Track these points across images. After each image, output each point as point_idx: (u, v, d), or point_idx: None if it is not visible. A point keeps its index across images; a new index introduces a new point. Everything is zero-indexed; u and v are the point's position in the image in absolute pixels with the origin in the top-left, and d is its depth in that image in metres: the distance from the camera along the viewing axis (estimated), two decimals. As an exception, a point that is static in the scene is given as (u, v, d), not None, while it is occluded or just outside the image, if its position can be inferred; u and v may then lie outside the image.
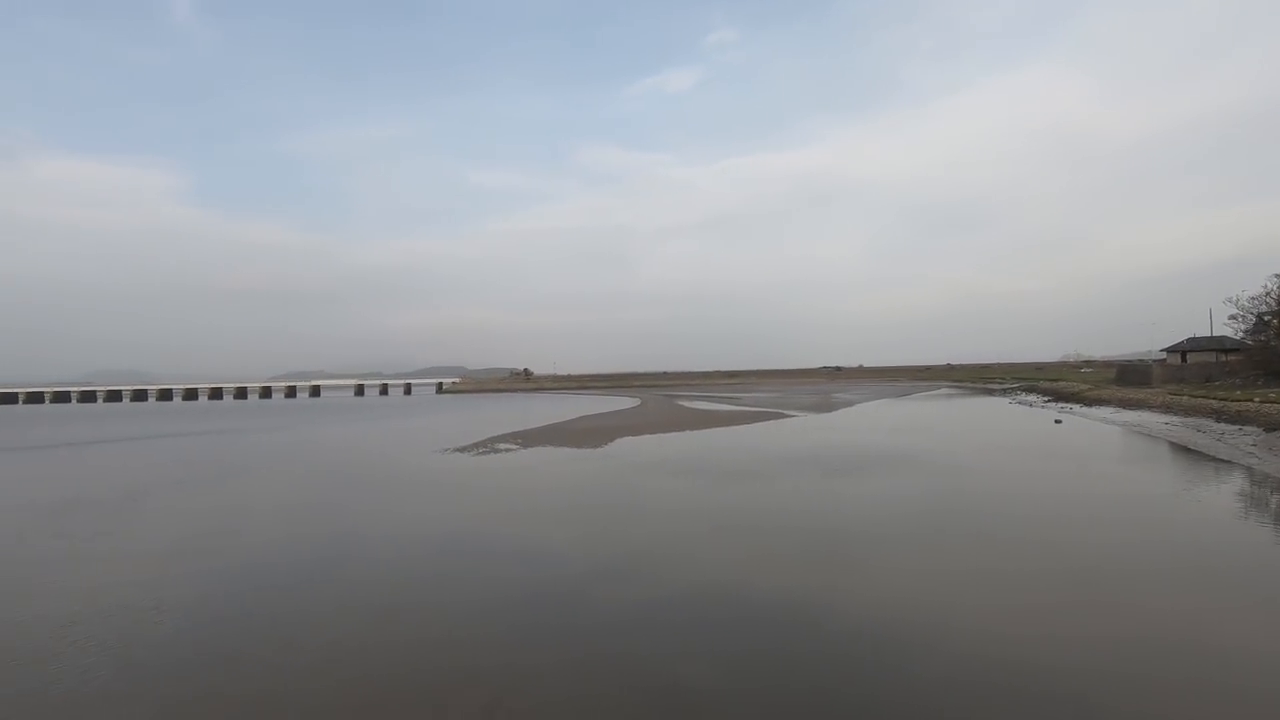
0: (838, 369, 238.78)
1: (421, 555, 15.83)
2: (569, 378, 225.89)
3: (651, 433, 45.65)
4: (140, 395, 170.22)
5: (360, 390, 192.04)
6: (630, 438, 42.58)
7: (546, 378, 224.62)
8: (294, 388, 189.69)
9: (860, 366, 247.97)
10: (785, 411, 64.10)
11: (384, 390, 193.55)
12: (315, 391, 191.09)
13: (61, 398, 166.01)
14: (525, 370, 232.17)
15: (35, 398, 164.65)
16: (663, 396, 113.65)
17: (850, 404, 77.66)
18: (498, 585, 13.22)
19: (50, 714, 8.45)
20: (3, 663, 9.99)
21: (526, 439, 42.88)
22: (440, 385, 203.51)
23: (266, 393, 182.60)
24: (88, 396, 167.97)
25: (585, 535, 17.29)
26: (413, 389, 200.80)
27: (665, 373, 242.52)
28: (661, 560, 14.75)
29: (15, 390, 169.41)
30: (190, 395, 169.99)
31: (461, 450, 37.46)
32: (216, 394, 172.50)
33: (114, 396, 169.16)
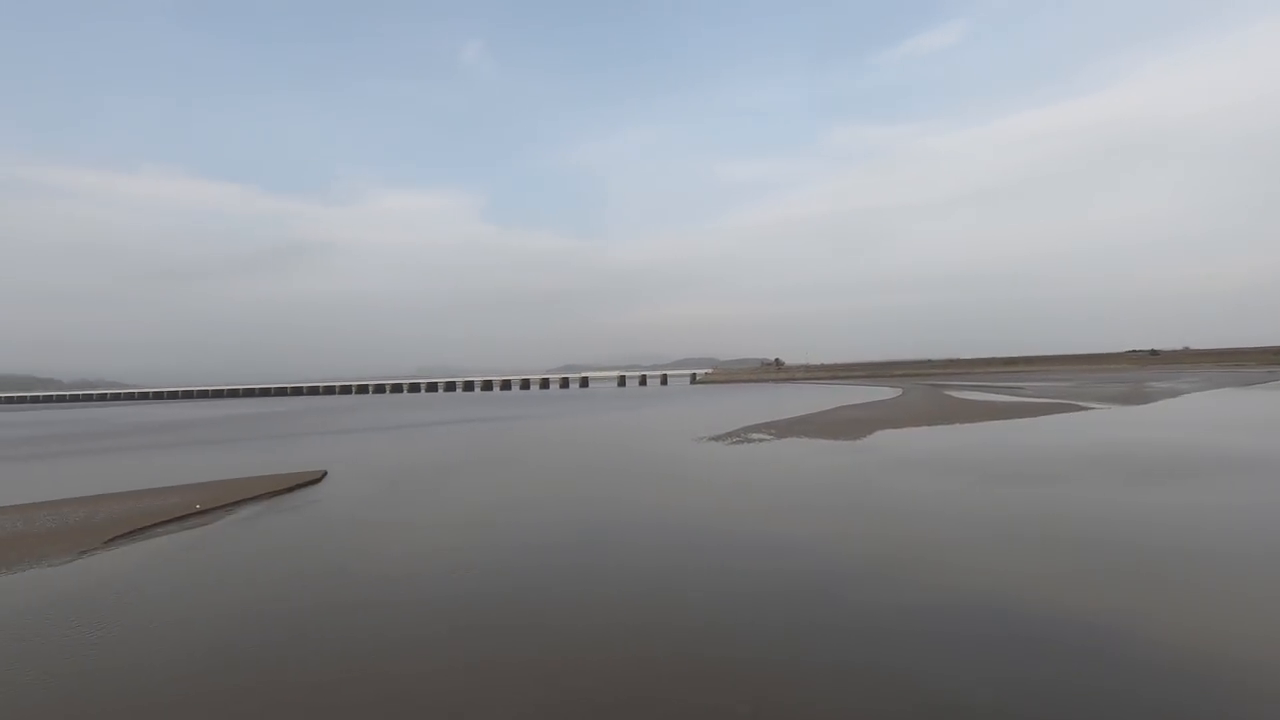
0: (1153, 353, 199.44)
1: (677, 540, 16.33)
2: (821, 368, 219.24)
3: (914, 425, 42.28)
4: (450, 386, 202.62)
5: (622, 381, 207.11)
6: (890, 430, 39.89)
7: (798, 368, 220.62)
8: (566, 379, 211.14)
9: (1186, 349, 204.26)
10: (1080, 403, 55.08)
11: (643, 381, 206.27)
12: (584, 383, 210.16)
13: (396, 389, 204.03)
14: (776, 360, 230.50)
15: (379, 389, 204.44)
16: (927, 386, 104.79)
17: (1173, 394, 64.28)
18: (749, 577, 13.10)
19: (386, 649, 10.20)
20: (348, 607, 12.32)
21: (779, 429, 42.40)
22: (694, 376, 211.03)
23: (545, 384, 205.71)
24: (414, 388, 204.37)
25: (841, 532, 16.45)
26: (668, 379, 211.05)
27: (929, 360, 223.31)
28: (927, 566, 13.44)
29: (365, 383, 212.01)
30: (486, 386, 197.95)
31: (715, 439, 38.22)
32: (506, 385, 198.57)
33: (432, 388, 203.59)
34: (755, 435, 39.27)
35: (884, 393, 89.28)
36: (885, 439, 35.62)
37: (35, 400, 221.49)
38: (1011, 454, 28.27)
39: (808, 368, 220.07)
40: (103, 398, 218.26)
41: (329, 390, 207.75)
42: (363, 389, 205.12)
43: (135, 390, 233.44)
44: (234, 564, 15.32)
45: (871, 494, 20.89)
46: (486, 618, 11.24)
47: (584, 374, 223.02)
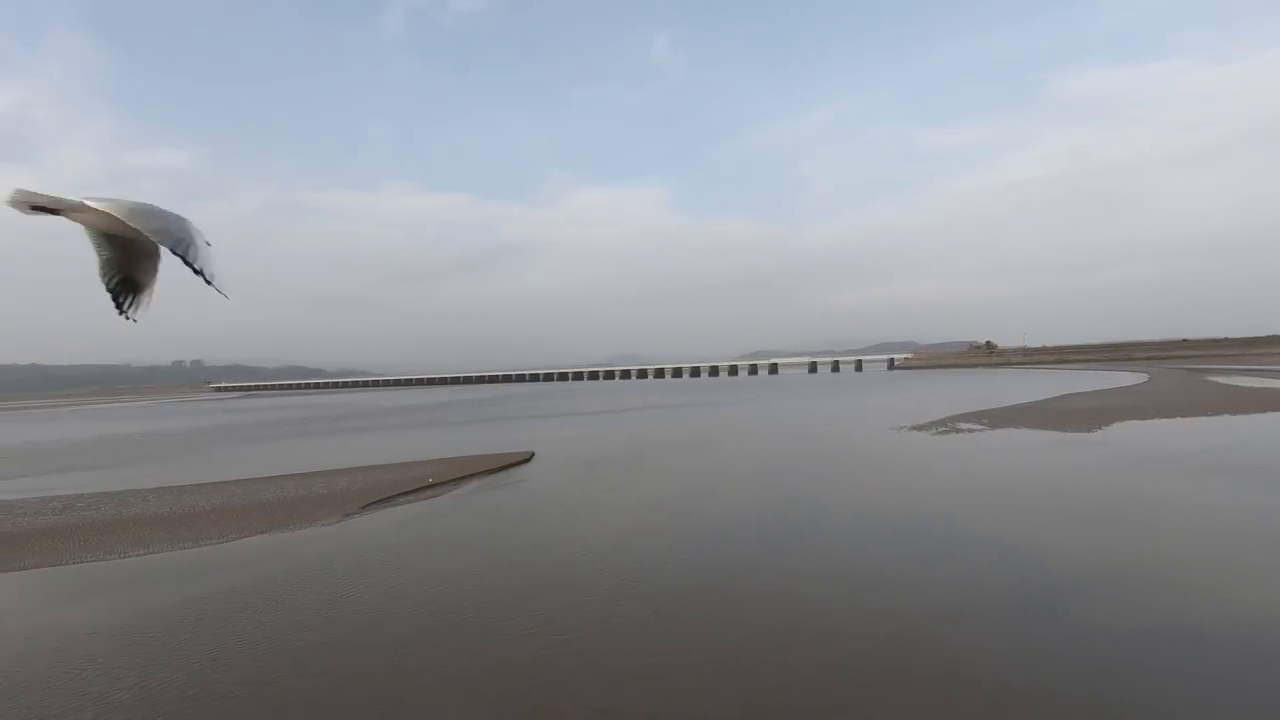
0: None
1: (878, 534, 15.54)
2: (1044, 350, 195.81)
3: (1165, 416, 36.29)
4: (642, 374, 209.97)
5: (813, 367, 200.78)
6: (1134, 421, 34.62)
7: (1015, 350, 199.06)
8: (755, 366, 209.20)
9: None
10: None
11: (835, 367, 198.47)
12: (773, 369, 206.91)
13: (592, 376, 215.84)
14: (987, 343, 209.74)
15: (577, 376, 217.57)
16: (1183, 370, 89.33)
17: None
18: (960, 582, 12.09)
19: (570, 621, 10.86)
20: (556, 586, 13.26)
21: (993, 419, 38.59)
22: (891, 361, 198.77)
23: (733, 371, 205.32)
24: (608, 375, 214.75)
25: (1067, 536, 14.58)
26: (863, 365, 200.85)
27: (1185, 340, 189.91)
28: (1180, 586, 11.50)
29: (565, 371, 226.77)
30: (676, 374, 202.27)
31: (918, 428, 35.75)
32: (695, 372, 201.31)
33: (625, 375, 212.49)
34: (965, 425, 36.11)
35: (1125, 378, 77.57)
36: (1126, 432, 31.00)
37: (307, 388, 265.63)
38: (1303, 453, 23.22)
39: (1026, 350, 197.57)
40: (356, 384, 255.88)
41: (534, 378, 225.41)
42: (562, 376, 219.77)
43: (379, 378, 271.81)
44: (459, 535, 17.20)
45: (1106, 496, 18.30)
46: (682, 607, 11.31)
47: (773, 360, 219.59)
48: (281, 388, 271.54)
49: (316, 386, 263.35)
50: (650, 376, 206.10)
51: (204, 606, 12.18)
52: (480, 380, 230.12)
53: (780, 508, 18.85)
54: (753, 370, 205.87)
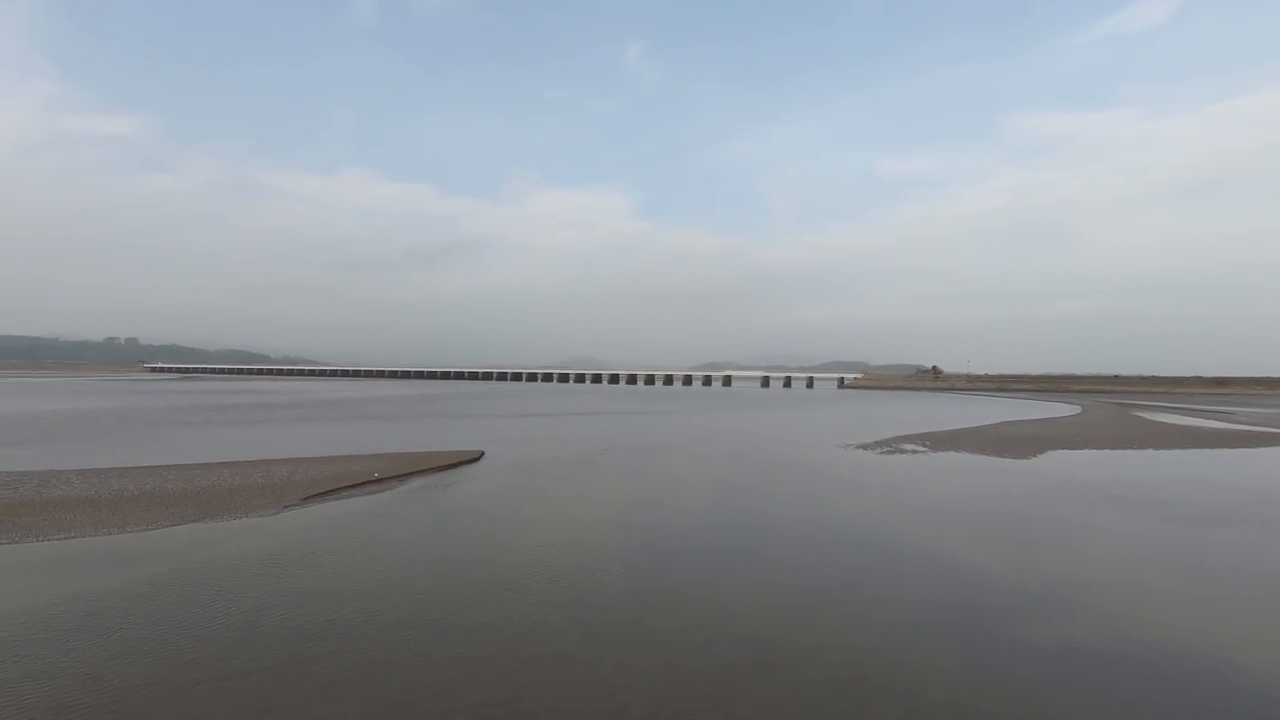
0: None
1: (826, 549, 15.85)
2: (985, 378, 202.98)
3: (1095, 448, 38.00)
4: (596, 378, 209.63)
5: (766, 382, 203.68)
6: (1065, 451, 36.14)
7: (958, 377, 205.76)
8: (709, 377, 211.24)
9: None
10: (1314, 435, 46.77)
11: (787, 383, 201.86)
12: (727, 381, 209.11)
13: (546, 378, 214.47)
14: (934, 368, 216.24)
15: (531, 378, 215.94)
16: (1113, 405, 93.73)
17: None
18: (908, 601, 12.43)
19: (524, 632, 10.77)
20: (500, 586, 13.12)
21: (935, 441, 39.80)
22: (841, 380, 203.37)
23: (688, 381, 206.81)
24: (562, 378, 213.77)
25: (1000, 556, 15.17)
26: (815, 383, 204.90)
27: (1116, 376, 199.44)
28: (1087, 611, 12.08)
29: (518, 371, 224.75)
30: (630, 380, 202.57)
31: (864, 447, 36.62)
32: (649, 380, 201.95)
33: (579, 379, 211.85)
34: (909, 446, 37.15)
35: (1060, 409, 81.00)
36: (1059, 460, 32.34)
37: (249, 373, 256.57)
38: (1213, 490, 24.61)
39: (970, 377, 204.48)
40: (301, 373, 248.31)
41: (487, 376, 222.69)
42: (516, 376, 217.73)
43: (326, 367, 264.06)
44: (407, 531, 16.85)
45: (1036, 521, 19.08)
46: (616, 632, 10.64)
47: (727, 372, 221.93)
48: (222, 372, 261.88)
49: (260, 373, 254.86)
50: (605, 381, 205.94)
51: (125, 595, 11.66)
52: (433, 376, 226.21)
53: (724, 520, 19.04)
54: (706, 381, 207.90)
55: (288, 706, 8.04)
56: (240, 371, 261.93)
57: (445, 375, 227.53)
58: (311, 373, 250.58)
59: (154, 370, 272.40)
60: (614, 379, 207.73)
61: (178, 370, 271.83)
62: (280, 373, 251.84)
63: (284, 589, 12.14)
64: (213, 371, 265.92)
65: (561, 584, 12.78)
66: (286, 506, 18.83)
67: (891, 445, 37.65)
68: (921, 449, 35.99)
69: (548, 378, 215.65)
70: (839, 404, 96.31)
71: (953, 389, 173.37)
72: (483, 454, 30.43)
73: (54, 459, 26.60)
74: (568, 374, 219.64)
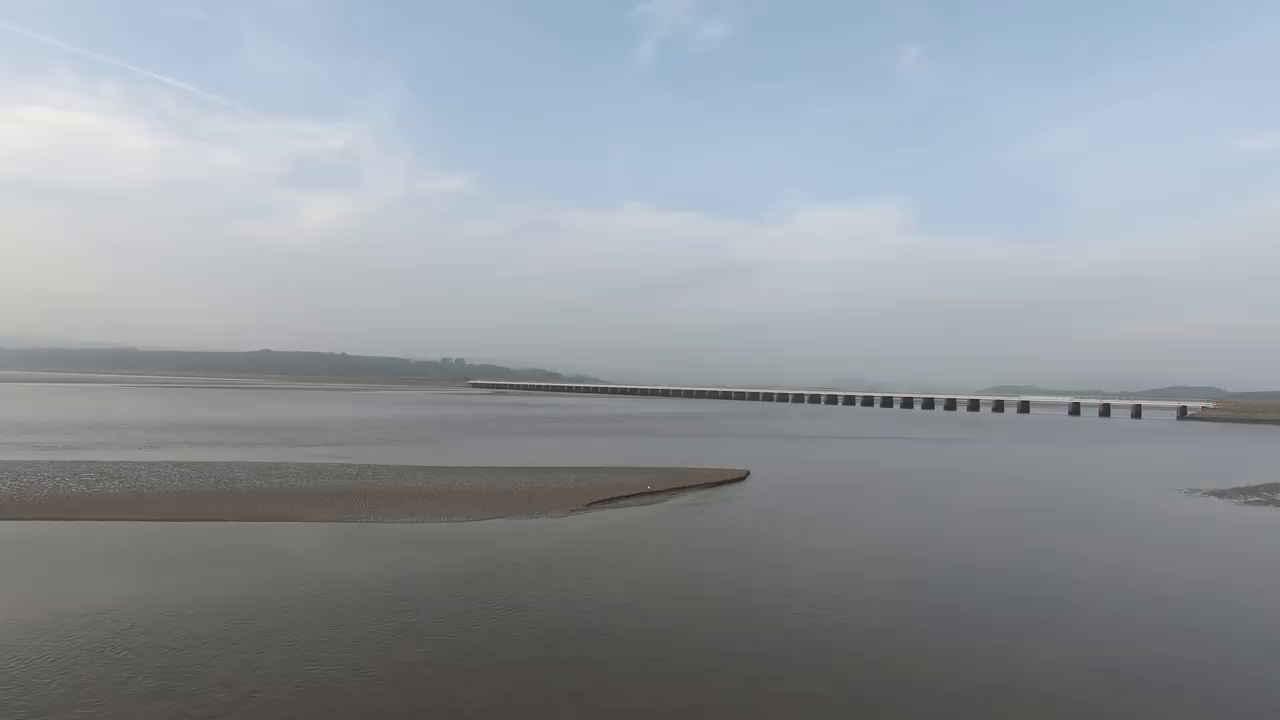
0: None
1: (1164, 629, 12.91)
2: None
3: None
4: (867, 401, 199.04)
5: (1076, 409, 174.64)
6: None
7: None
8: (1001, 402, 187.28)
9: None
10: None
11: (1104, 411, 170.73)
12: (1024, 407, 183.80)
13: (813, 399, 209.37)
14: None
15: (798, 399, 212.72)
16: None
17: None
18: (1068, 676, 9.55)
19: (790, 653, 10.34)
20: (736, 618, 12.83)
21: (1332, 494, 30.33)
22: (1183, 410, 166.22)
23: (974, 405, 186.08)
24: (831, 400, 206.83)
25: None
26: (1142, 412, 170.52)
27: None
28: None
29: (787, 391, 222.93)
30: (906, 403, 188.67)
31: (1219, 494, 29.35)
32: (929, 403, 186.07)
33: (849, 401, 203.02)
34: (1287, 497, 28.86)
35: None
36: None
37: (545, 389, 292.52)
38: None
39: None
40: (585, 390, 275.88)
41: (753, 396, 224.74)
42: (783, 397, 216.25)
43: (606, 385, 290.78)
44: (672, 545, 17.55)
45: None
46: (873, 678, 9.73)
47: (1023, 397, 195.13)
48: (526, 388, 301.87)
49: (553, 389, 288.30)
50: (877, 405, 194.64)
51: (455, 573, 13.76)
52: (700, 395, 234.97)
53: (1023, 574, 16.44)
54: (998, 407, 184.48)
55: (536, 709, 8.70)
56: (539, 388, 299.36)
57: (712, 394, 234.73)
58: (593, 390, 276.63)
59: (475, 386, 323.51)
60: (887, 402, 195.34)
61: (492, 386, 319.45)
62: (568, 389, 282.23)
63: (554, 590, 13.30)
64: (517, 388, 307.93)
65: (819, 621, 12.12)
66: (573, 510, 20.77)
67: (1262, 494, 29.62)
68: (1311, 502, 27.69)
69: (815, 399, 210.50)
70: (1181, 439, 78.56)
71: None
72: (748, 474, 30.54)
73: (404, 457, 32.78)
74: (836, 395, 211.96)
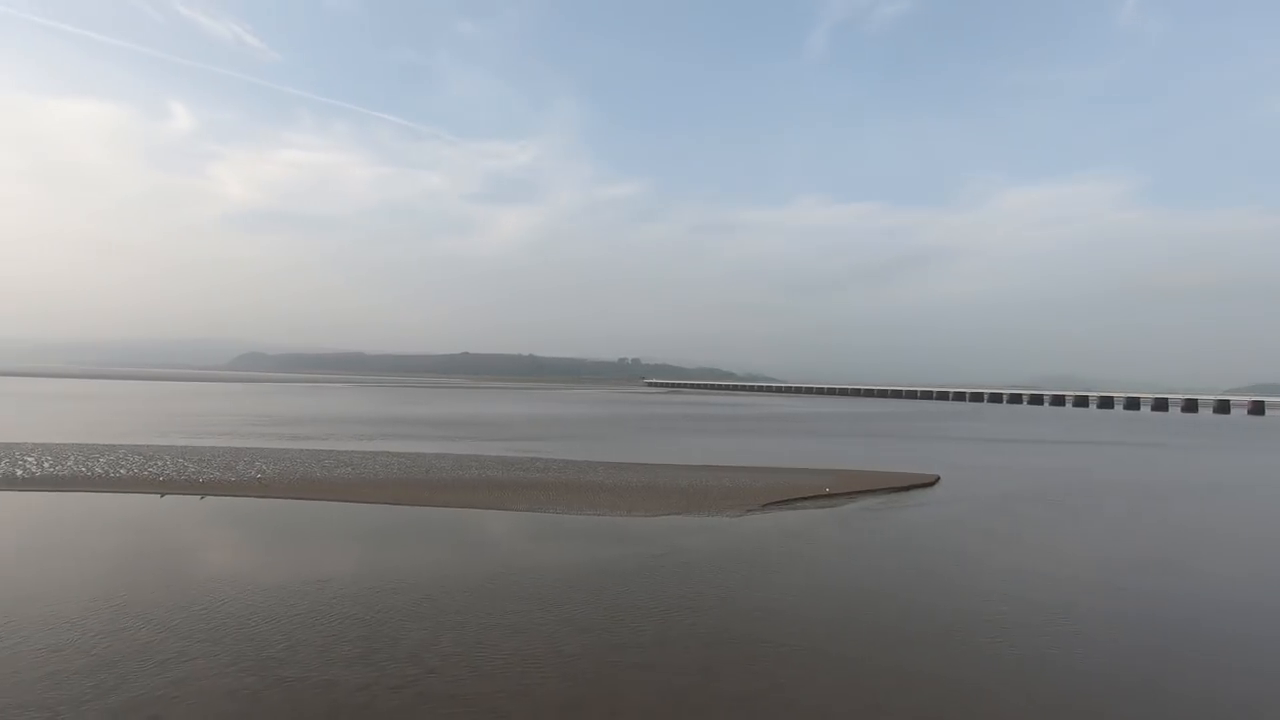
0: None
1: None
2: None
3: None
4: (1080, 401, 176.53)
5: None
6: None
7: None
8: (1261, 403, 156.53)
9: None
10: None
11: None
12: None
13: (1013, 399, 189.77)
14: None
15: (994, 398, 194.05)
16: None
17: None
18: None
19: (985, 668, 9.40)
20: (932, 626, 11.81)
21: None
22: None
23: (1223, 407, 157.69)
24: (1034, 400, 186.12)
25: None
26: None
27: None
28: None
29: (980, 390, 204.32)
30: (1131, 404, 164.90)
31: None
32: (1160, 404, 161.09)
33: (1057, 401, 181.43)
34: None
35: None
36: None
37: (717, 388, 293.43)
38: None
39: None
40: (759, 389, 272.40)
41: (942, 395, 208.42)
42: (976, 396, 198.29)
43: (781, 384, 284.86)
44: (859, 549, 16.83)
45: None
46: (1068, 712, 8.83)
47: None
48: (699, 387, 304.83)
49: (726, 388, 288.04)
50: (1092, 405, 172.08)
51: (624, 567, 14.23)
52: (882, 394, 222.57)
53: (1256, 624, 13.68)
54: (1257, 408, 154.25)
55: (692, 708, 8.61)
56: (711, 387, 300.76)
57: (896, 394, 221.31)
58: (767, 388, 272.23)
59: (650, 385, 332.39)
60: (1106, 402, 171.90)
61: (666, 385, 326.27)
62: (740, 388, 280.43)
63: (721, 592, 13.22)
64: (691, 386, 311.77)
65: (1013, 645, 10.99)
66: (749, 510, 20.60)
67: None
68: None
69: (1015, 399, 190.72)
70: None
71: None
72: (938, 479, 28.42)
73: (585, 452, 34.46)
74: (1041, 395, 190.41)
